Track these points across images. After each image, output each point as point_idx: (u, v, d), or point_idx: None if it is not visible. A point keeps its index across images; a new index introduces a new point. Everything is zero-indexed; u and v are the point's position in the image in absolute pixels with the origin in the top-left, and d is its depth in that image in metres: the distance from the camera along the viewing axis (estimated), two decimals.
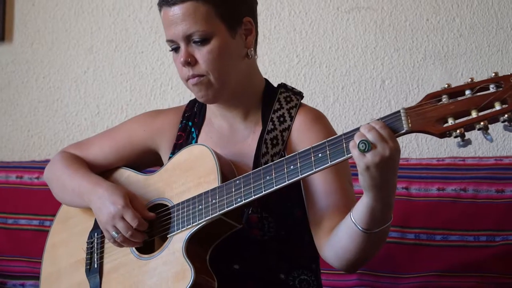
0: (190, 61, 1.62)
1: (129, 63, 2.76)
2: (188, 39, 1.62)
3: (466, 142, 1.32)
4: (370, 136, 1.37)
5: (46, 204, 2.40)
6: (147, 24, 2.75)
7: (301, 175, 1.46)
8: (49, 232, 1.90)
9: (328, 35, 2.64)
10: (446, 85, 1.35)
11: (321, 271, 1.76)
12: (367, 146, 1.36)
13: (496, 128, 1.43)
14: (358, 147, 1.37)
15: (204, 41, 1.61)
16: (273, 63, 2.65)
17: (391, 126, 1.38)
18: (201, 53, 1.61)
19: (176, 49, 1.65)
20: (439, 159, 2.35)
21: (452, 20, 2.58)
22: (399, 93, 2.59)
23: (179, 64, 1.64)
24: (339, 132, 1.71)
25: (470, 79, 1.33)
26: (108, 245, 1.73)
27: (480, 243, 2.16)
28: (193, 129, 1.79)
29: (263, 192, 1.51)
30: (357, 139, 1.38)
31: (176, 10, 1.60)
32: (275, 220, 1.63)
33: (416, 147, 2.56)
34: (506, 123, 1.28)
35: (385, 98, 2.60)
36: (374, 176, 1.39)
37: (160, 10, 1.66)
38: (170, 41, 1.65)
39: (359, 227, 1.47)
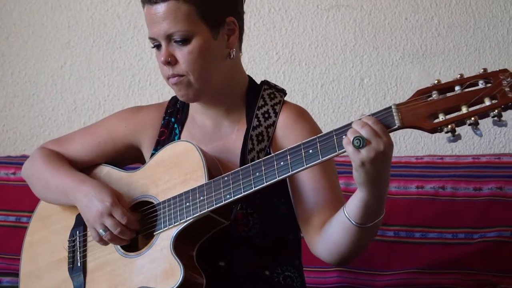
0: (171, 61, 1.61)
1: (107, 58, 2.73)
2: (169, 38, 1.61)
3: (456, 137, 1.33)
4: (364, 132, 1.37)
5: (23, 200, 2.36)
6: (126, 19, 2.73)
7: (292, 171, 1.46)
8: (27, 230, 1.86)
9: (308, 32, 2.64)
10: (436, 81, 1.36)
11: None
12: (361, 142, 1.36)
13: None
14: (353, 143, 1.37)
15: (184, 41, 1.60)
16: (253, 60, 2.65)
17: (383, 122, 1.39)
18: (182, 53, 1.61)
19: (158, 47, 1.64)
20: (418, 157, 2.37)
21: (430, 19, 2.60)
22: (378, 91, 2.61)
23: (159, 59, 1.64)
24: (322, 129, 1.72)
25: (459, 75, 1.35)
26: (91, 244, 1.70)
27: (459, 240, 2.19)
28: (175, 125, 1.78)
29: (253, 189, 1.50)
30: (351, 135, 1.38)
31: (158, 9, 1.59)
32: (260, 217, 1.63)
33: (394, 144, 2.56)
34: (495, 118, 1.29)
35: (364, 96, 2.61)
36: (369, 172, 1.39)
37: (143, 7, 1.65)
38: (152, 39, 1.64)
39: (353, 222, 1.48)
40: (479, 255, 2.17)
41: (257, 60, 2.65)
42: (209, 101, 1.70)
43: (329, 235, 1.54)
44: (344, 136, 1.41)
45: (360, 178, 1.42)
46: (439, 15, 2.59)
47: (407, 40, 2.61)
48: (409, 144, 2.58)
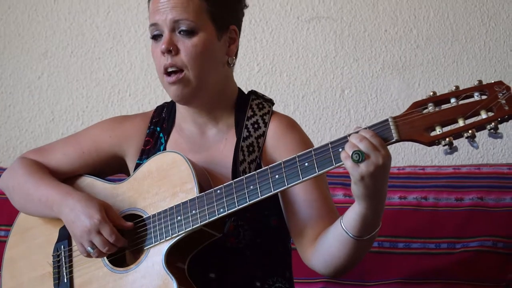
0: (172, 49, 1.58)
1: (86, 68, 2.69)
2: (174, 26, 1.59)
3: (453, 150, 1.34)
4: (363, 146, 1.37)
5: (1, 213, 2.30)
6: (105, 29, 2.69)
7: (287, 184, 1.44)
8: (6, 244, 1.80)
9: (289, 44, 2.65)
10: (432, 93, 1.36)
11: None
12: (360, 157, 1.35)
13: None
14: (352, 157, 1.36)
15: (190, 33, 1.59)
16: (234, 71, 2.63)
17: (380, 135, 1.38)
18: (185, 45, 1.59)
19: (157, 37, 1.61)
20: (400, 167, 2.39)
21: (409, 31, 2.63)
22: (359, 103, 2.62)
23: (158, 52, 1.60)
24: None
25: (454, 87, 1.36)
26: (77, 258, 1.66)
27: (441, 250, 2.21)
28: (161, 135, 1.75)
29: (248, 202, 1.48)
30: (349, 149, 1.37)
31: None
32: (251, 228, 1.61)
33: None
34: (492, 130, 1.30)
35: (345, 107, 2.62)
36: (368, 186, 1.39)
37: None
38: (154, 25, 1.61)
39: (351, 235, 1.47)
40: (461, 264, 2.19)
41: (238, 71, 2.64)
42: (200, 106, 1.67)
43: (325, 248, 1.53)
44: (341, 150, 1.40)
45: (358, 192, 1.41)
46: (417, 27, 2.62)
47: (386, 51, 2.63)
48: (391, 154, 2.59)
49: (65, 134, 2.64)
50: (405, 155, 2.61)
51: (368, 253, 2.21)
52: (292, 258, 1.73)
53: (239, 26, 1.70)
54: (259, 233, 1.63)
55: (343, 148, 1.39)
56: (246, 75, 2.64)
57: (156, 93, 2.65)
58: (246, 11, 2.61)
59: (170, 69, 1.60)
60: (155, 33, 1.62)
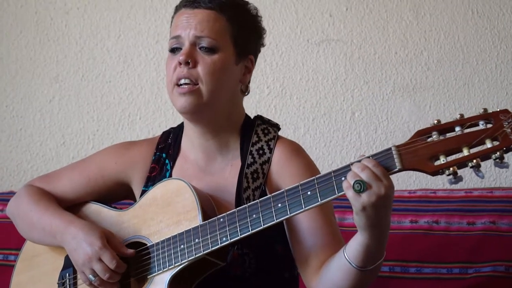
0: (190, 61, 1.60)
1: (96, 92, 2.71)
2: (196, 41, 1.61)
3: (458, 179, 1.32)
4: (364, 176, 1.35)
5: (11, 238, 2.31)
6: (115, 53, 2.71)
7: (290, 213, 1.43)
8: (14, 270, 1.81)
9: (299, 66, 2.64)
10: (436, 121, 1.35)
11: None
12: (362, 187, 1.34)
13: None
14: (353, 187, 1.35)
15: (211, 50, 1.61)
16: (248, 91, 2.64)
17: (383, 164, 1.37)
18: (204, 61, 1.60)
19: (175, 50, 1.63)
20: (411, 191, 2.37)
21: (420, 54, 2.61)
22: (369, 125, 2.61)
23: (173, 64, 1.61)
24: (314, 163, 1.71)
25: (459, 115, 1.34)
26: (82, 286, 1.65)
27: (453, 275, 2.17)
28: (167, 161, 1.75)
29: (250, 231, 1.47)
30: (351, 179, 1.36)
31: (197, 13, 1.61)
32: (256, 256, 1.60)
33: None
34: (497, 160, 1.28)
35: (355, 130, 2.61)
36: (370, 216, 1.37)
37: (177, 10, 1.66)
38: (175, 37, 1.63)
39: (354, 265, 1.45)
40: None
41: (248, 94, 2.64)
42: (205, 125, 1.66)
43: (329, 277, 1.51)
44: (343, 179, 1.39)
45: (361, 222, 1.39)
46: (428, 50, 2.61)
47: (397, 74, 2.61)
48: (401, 177, 2.58)
49: (76, 157, 2.66)
50: (417, 178, 2.58)
51: (379, 278, 2.20)
52: (300, 284, 1.72)
53: (256, 58, 1.72)
54: (264, 261, 1.61)
55: (345, 177, 1.38)
56: (256, 97, 2.64)
57: (166, 116, 2.66)
58: None
59: (183, 81, 1.61)
60: (175, 46, 1.63)
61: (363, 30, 2.63)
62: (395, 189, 2.46)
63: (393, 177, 2.51)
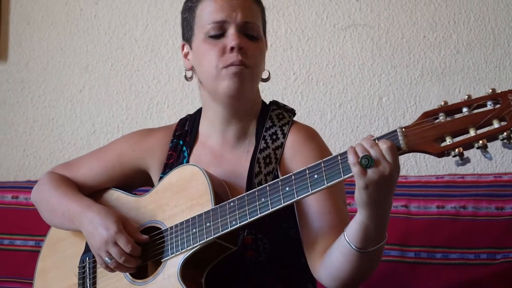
0: (242, 48, 1.60)
1: (125, 81, 2.75)
2: (243, 27, 1.61)
3: (464, 161, 1.29)
4: (373, 152, 1.34)
5: (42, 225, 2.33)
6: (143, 42, 2.74)
7: (297, 196, 1.43)
8: (39, 255, 1.86)
9: (325, 52, 2.63)
10: (443, 103, 1.32)
11: None
12: (370, 162, 1.32)
13: (495, 145, 1.43)
14: (361, 161, 1.33)
15: (256, 38, 1.63)
16: (270, 81, 2.60)
17: None
18: (253, 47, 1.62)
19: (217, 36, 1.62)
20: (438, 176, 2.33)
21: (449, 37, 2.57)
22: (397, 110, 2.57)
23: (216, 48, 1.60)
24: (332, 149, 1.70)
25: (467, 96, 1.31)
26: (101, 270, 1.69)
27: (481, 261, 2.14)
28: (184, 148, 1.76)
29: (259, 215, 1.48)
30: (360, 152, 1.35)
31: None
32: (270, 241, 1.61)
33: (415, 164, 2.54)
34: (505, 140, 1.25)
35: (383, 115, 2.58)
36: (371, 194, 1.36)
37: None
38: (219, 22, 1.61)
39: (353, 246, 1.44)
40: (502, 276, 2.11)
41: (274, 80, 2.64)
42: (236, 112, 1.67)
43: (331, 260, 1.51)
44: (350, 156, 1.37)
45: (361, 199, 1.38)
46: (457, 33, 2.56)
47: (425, 58, 2.57)
48: (430, 163, 2.54)
49: None
50: (446, 163, 2.54)
51: (406, 264, 2.20)
52: None
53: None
54: (278, 246, 1.62)
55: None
56: (283, 84, 2.64)
57: (193, 104, 2.68)
58: (282, 20, 2.64)
59: (235, 66, 1.60)
60: (216, 33, 1.62)
61: (390, 14, 2.60)
62: (424, 174, 2.48)
63: (422, 163, 2.52)
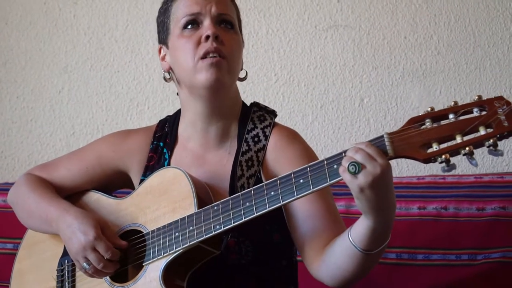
0: (218, 36, 1.59)
1: (105, 82, 2.72)
2: (218, 18, 1.61)
3: (451, 167, 1.29)
4: (358, 157, 1.33)
5: (21, 227, 2.32)
6: (123, 43, 2.72)
7: (282, 201, 1.43)
8: (16, 257, 1.84)
9: (306, 53, 2.62)
10: (429, 109, 1.32)
11: None
12: (357, 168, 1.32)
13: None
14: (348, 169, 1.33)
15: (233, 28, 1.63)
16: (251, 82, 2.63)
17: None
18: (229, 36, 1.62)
19: (191, 25, 1.61)
20: (419, 177, 2.34)
21: (429, 38, 2.58)
22: (378, 111, 2.58)
23: (192, 40, 1.60)
24: (314, 151, 1.70)
25: (453, 103, 1.31)
26: (80, 273, 1.67)
27: (462, 261, 2.15)
28: (165, 150, 1.75)
29: (243, 219, 1.47)
30: (345, 162, 1.34)
31: None
32: (253, 244, 1.60)
33: (396, 165, 2.55)
34: (491, 147, 1.26)
35: (364, 117, 2.58)
36: (370, 198, 1.35)
37: None
38: (194, 14, 1.61)
39: (359, 249, 1.44)
40: (483, 276, 2.13)
41: (256, 81, 2.63)
42: (216, 108, 1.65)
43: (333, 260, 1.50)
44: (336, 166, 1.37)
45: (362, 205, 1.37)
46: (438, 34, 2.57)
47: (406, 59, 2.58)
48: (411, 164, 2.55)
49: None
50: (427, 164, 2.55)
51: (387, 265, 2.21)
52: (300, 271, 1.71)
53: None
54: (261, 249, 1.61)
55: (338, 165, 1.36)
56: (264, 85, 2.63)
57: (174, 105, 2.66)
58: (263, 20, 2.63)
59: (212, 55, 1.59)
60: (192, 24, 1.62)
61: (371, 15, 2.60)
62: (405, 175, 2.49)
63: (403, 164, 2.53)
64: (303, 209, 1.57)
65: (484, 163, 2.55)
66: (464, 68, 2.56)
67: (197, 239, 1.50)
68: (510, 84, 2.54)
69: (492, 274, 2.12)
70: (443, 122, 1.31)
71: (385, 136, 1.35)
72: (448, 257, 2.16)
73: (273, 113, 1.72)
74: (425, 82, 2.57)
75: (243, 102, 1.74)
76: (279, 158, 1.63)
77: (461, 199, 2.20)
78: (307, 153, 1.64)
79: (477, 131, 1.27)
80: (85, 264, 1.59)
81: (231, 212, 1.48)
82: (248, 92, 2.60)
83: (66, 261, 1.71)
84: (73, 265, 1.69)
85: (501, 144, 1.29)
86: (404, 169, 2.55)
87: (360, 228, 1.43)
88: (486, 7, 2.56)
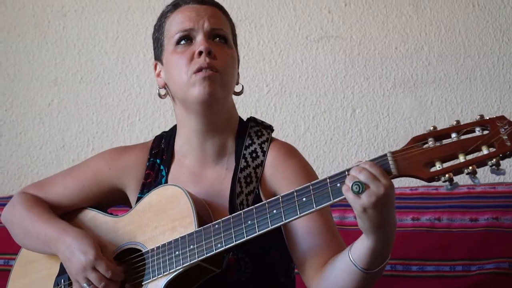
0: (211, 51, 1.58)
1: (95, 94, 2.70)
2: (211, 34, 1.61)
3: (454, 186, 1.30)
4: (362, 177, 1.33)
5: (11, 243, 2.29)
6: (113, 54, 2.70)
7: (285, 220, 1.42)
8: (10, 276, 1.81)
9: (298, 64, 2.63)
10: (432, 128, 1.33)
11: None
12: (360, 188, 1.32)
13: None
14: (352, 189, 1.33)
15: (226, 44, 1.63)
16: (243, 93, 2.61)
17: None
18: (223, 51, 1.61)
19: (186, 44, 1.61)
20: (412, 188, 2.35)
21: (420, 49, 2.59)
22: (370, 122, 2.59)
23: (185, 55, 1.59)
24: (308, 161, 1.69)
25: (455, 122, 1.32)
26: None
27: (456, 273, 2.16)
28: (161, 167, 1.73)
29: (245, 238, 1.46)
30: (349, 182, 1.34)
31: (206, 8, 1.63)
32: (252, 261, 1.59)
33: None
34: (494, 167, 1.27)
35: (356, 127, 2.59)
36: (372, 218, 1.35)
37: (176, 7, 1.65)
38: (187, 30, 1.61)
39: (360, 268, 1.43)
40: (477, 287, 2.14)
41: (247, 92, 2.62)
42: (210, 124, 1.64)
43: (333, 278, 1.49)
44: (339, 185, 1.37)
45: (364, 225, 1.37)
46: (429, 44, 2.58)
47: (397, 69, 2.59)
48: None
49: (76, 160, 2.65)
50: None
51: (382, 277, 2.21)
52: (297, 286, 1.70)
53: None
54: (260, 266, 1.60)
55: (341, 183, 1.36)
56: (256, 96, 2.63)
57: (165, 117, 2.65)
58: (255, 31, 2.63)
59: (204, 70, 1.59)
60: (185, 40, 1.62)
61: (362, 26, 2.61)
62: (398, 186, 2.49)
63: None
64: (303, 226, 1.56)
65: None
66: (455, 79, 2.58)
67: (198, 257, 1.49)
68: (501, 94, 2.56)
69: (486, 286, 2.13)
70: (445, 141, 1.32)
71: (388, 155, 1.35)
72: (442, 268, 2.17)
73: (270, 128, 1.72)
74: (416, 93, 2.58)
75: (240, 117, 1.73)
76: (277, 174, 1.62)
77: (454, 210, 2.21)
78: (305, 168, 1.63)
79: (480, 150, 1.28)
80: (85, 285, 1.57)
81: (232, 230, 1.47)
82: (240, 103, 2.58)
83: (62, 280, 1.68)
84: (70, 284, 1.67)
85: (503, 163, 1.30)
86: (397, 180, 2.55)
87: (361, 247, 1.43)
88: (476, 18, 2.57)
